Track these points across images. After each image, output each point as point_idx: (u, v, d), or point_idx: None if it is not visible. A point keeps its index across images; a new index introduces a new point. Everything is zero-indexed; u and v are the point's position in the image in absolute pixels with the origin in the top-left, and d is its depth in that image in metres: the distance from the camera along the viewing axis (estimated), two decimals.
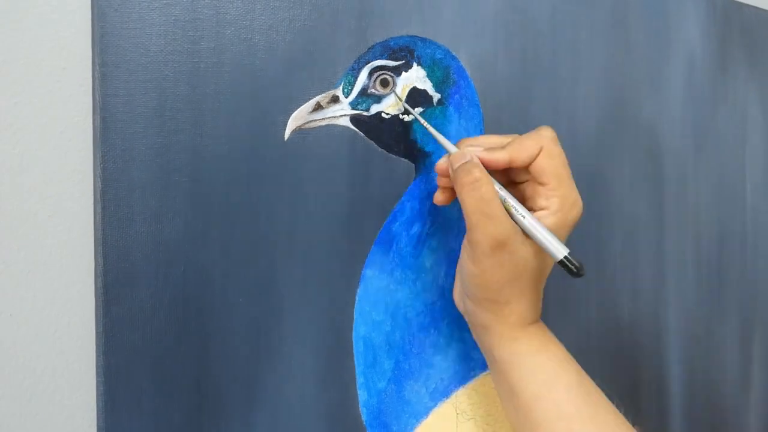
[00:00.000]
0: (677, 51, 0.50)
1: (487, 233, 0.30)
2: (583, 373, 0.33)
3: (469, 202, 0.30)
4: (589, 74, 0.44)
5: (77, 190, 0.30)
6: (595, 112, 0.44)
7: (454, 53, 0.38)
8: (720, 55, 0.53)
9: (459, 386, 0.38)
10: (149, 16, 0.30)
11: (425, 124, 0.34)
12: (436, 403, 0.37)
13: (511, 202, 0.31)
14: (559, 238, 0.31)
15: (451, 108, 0.38)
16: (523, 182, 0.34)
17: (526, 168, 0.32)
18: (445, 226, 0.38)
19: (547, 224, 0.31)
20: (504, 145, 0.32)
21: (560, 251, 0.31)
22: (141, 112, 0.30)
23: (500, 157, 0.32)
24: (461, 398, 0.38)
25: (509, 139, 0.33)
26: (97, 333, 0.30)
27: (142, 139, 0.30)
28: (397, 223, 0.37)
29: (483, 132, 0.40)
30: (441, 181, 0.34)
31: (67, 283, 0.30)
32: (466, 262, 0.32)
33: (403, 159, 0.37)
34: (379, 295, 0.36)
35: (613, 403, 0.32)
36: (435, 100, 0.37)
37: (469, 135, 0.39)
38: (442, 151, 0.38)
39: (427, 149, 0.38)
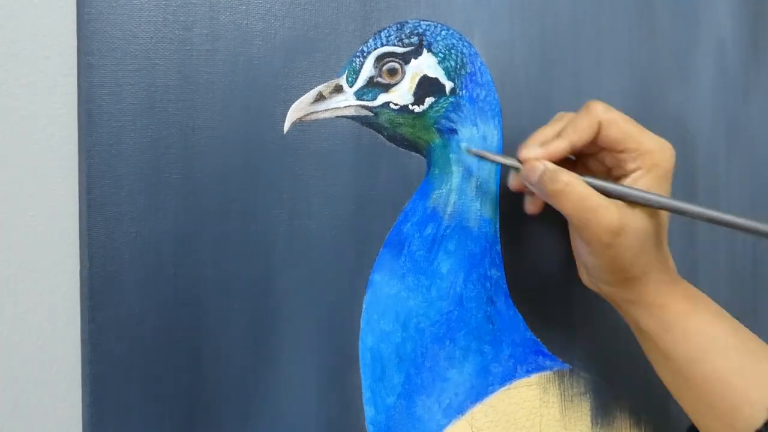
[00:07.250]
0: (706, 33, 0.47)
1: (601, 227, 0.30)
2: (739, 325, 0.32)
3: (570, 207, 0.31)
4: (611, 59, 0.43)
5: (61, 188, 0.30)
6: (619, 101, 0.43)
7: (467, 38, 0.37)
8: (753, 36, 0.50)
9: (475, 402, 0.36)
10: (138, 1, 0.29)
11: (483, 153, 0.35)
12: (450, 421, 0.35)
13: (604, 183, 0.31)
14: (665, 191, 0.32)
15: (465, 97, 0.36)
16: (598, 152, 0.34)
17: (592, 143, 0.33)
18: (463, 226, 0.36)
19: (647, 182, 0.31)
20: (558, 133, 0.32)
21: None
22: (129, 103, 0.29)
23: (561, 147, 0.32)
24: (477, 415, 0.36)
25: (560, 124, 0.33)
26: (82, 341, 0.29)
27: (131, 133, 0.29)
28: (409, 224, 0.35)
29: (500, 121, 0.38)
30: (526, 191, 0.35)
31: (51, 288, 0.29)
32: (588, 258, 0.32)
33: (414, 153, 0.35)
34: (389, 302, 0.35)
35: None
36: (448, 88, 0.35)
37: (485, 124, 0.37)
38: (455, 146, 0.35)
39: None
